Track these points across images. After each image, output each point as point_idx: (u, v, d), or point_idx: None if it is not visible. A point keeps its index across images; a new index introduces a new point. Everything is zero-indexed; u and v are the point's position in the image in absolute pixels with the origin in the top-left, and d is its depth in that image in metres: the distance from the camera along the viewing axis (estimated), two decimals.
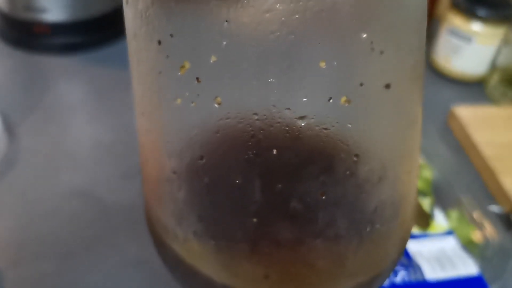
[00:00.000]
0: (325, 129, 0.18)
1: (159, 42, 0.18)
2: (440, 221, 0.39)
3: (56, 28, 0.61)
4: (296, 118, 0.18)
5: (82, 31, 0.62)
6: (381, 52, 0.17)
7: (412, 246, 0.37)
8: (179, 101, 0.19)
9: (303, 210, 0.19)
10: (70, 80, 0.59)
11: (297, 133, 0.18)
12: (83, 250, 0.40)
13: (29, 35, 0.62)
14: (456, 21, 0.60)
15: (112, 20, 0.65)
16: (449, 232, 0.39)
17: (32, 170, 0.47)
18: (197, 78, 0.18)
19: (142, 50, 0.19)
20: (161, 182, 0.22)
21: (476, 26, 0.59)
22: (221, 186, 0.20)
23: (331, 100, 0.17)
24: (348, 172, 0.19)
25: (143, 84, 0.20)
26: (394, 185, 0.21)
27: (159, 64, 0.19)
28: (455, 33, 0.60)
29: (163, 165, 0.21)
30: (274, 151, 0.18)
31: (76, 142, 0.50)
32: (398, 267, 0.35)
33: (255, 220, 0.20)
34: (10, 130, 0.50)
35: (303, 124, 0.18)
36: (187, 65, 0.18)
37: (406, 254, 0.37)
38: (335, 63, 0.17)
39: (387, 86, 0.18)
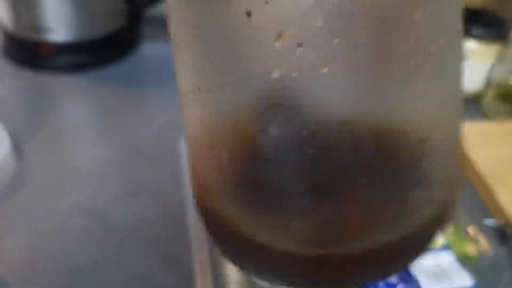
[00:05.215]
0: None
1: (248, 14, 0.17)
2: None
3: (62, 48, 0.63)
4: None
5: (88, 50, 0.64)
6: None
7: None
8: (276, 72, 0.18)
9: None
10: (76, 99, 0.61)
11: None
12: (91, 267, 0.41)
13: (35, 55, 0.63)
14: None
15: (117, 40, 0.67)
16: (446, 247, 0.40)
17: (40, 188, 0.48)
18: (299, 44, 0.17)
19: (219, 29, 0.18)
20: (251, 164, 0.21)
21: (471, 45, 0.61)
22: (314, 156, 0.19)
23: (425, 50, 0.18)
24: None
25: (223, 67, 0.19)
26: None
27: (248, 37, 0.17)
28: None
29: (254, 145, 0.20)
30: (381, 110, 0.19)
31: (82, 160, 0.52)
32: (397, 281, 0.37)
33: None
34: (18, 150, 0.51)
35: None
36: (286, 32, 0.17)
37: (406, 269, 0.38)
38: (427, 13, 0.18)
39: (458, 31, 0.20)
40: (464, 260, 0.39)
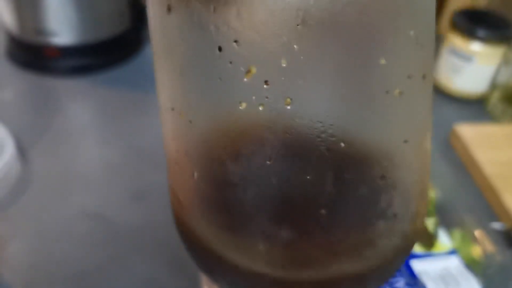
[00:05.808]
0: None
1: (220, 49, 0.18)
2: (444, 240, 0.40)
3: (66, 51, 0.63)
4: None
5: (92, 53, 0.64)
6: (422, 46, 0.19)
7: (417, 266, 0.38)
8: (243, 105, 0.19)
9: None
10: (80, 102, 0.61)
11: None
12: (95, 271, 0.41)
13: (39, 58, 0.63)
14: (456, 41, 0.62)
15: (121, 43, 0.67)
16: (453, 251, 0.40)
17: (44, 192, 0.48)
18: (266, 81, 0.18)
19: (192, 58, 0.19)
20: (219, 186, 0.22)
21: (476, 47, 0.60)
22: (289, 185, 0.20)
23: (388, 93, 0.19)
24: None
25: (195, 93, 0.20)
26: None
27: (219, 70, 0.19)
28: (456, 53, 0.62)
29: (222, 169, 0.21)
30: (343, 144, 0.19)
31: (87, 164, 0.52)
32: (404, 286, 0.36)
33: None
34: (22, 153, 0.51)
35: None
36: (254, 70, 0.18)
37: (412, 273, 0.38)
38: (392, 59, 0.18)
39: (424, 76, 0.20)
40: (471, 264, 0.39)
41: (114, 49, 0.66)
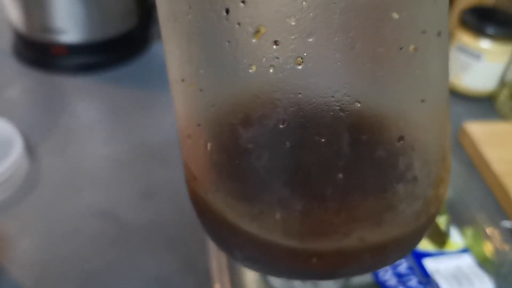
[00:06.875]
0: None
1: (227, 11, 0.18)
2: (456, 238, 0.40)
3: (73, 49, 0.62)
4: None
5: (99, 51, 0.64)
6: (435, 1, 0.19)
7: (430, 264, 0.38)
8: (254, 68, 0.18)
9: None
10: (87, 100, 0.61)
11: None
12: (105, 269, 0.41)
13: (46, 56, 0.63)
14: (465, 38, 0.61)
15: (128, 41, 0.67)
16: (465, 250, 0.40)
17: (53, 190, 0.48)
18: (275, 42, 0.18)
19: (199, 23, 0.19)
20: (234, 154, 0.21)
21: (484, 44, 0.60)
22: (304, 147, 0.20)
23: (402, 49, 0.18)
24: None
25: (204, 60, 0.20)
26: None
27: (227, 33, 0.18)
28: (464, 50, 0.61)
29: (236, 136, 0.21)
30: (358, 104, 0.19)
31: (95, 161, 0.51)
32: (417, 285, 0.36)
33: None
34: (30, 151, 0.51)
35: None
36: (262, 29, 0.18)
37: (425, 272, 0.37)
38: (404, 13, 0.18)
39: (439, 33, 0.19)
40: (484, 263, 0.39)
41: (121, 47, 0.66)
